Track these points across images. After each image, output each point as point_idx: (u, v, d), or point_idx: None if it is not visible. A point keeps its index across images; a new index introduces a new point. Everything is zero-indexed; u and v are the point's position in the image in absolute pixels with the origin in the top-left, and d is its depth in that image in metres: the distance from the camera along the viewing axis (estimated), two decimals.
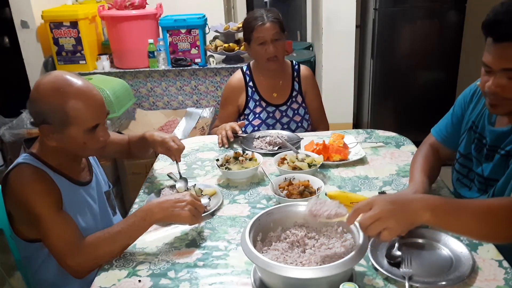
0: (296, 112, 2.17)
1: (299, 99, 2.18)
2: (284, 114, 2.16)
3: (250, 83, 2.17)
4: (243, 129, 2.16)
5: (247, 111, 2.17)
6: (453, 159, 1.55)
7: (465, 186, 1.46)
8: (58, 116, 1.25)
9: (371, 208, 1.03)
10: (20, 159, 1.33)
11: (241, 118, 2.20)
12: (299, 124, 2.17)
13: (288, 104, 2.16)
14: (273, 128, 2.14)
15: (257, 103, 2.16)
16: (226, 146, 1.94)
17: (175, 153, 1.60)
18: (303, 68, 2.21)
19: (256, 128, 2.14)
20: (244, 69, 2.20)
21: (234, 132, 1.96)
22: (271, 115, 2.16)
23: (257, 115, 2.16)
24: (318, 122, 2.26)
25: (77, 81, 1.28)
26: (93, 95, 1.30)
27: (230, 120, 2.12)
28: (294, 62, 2.22)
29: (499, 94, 1.19)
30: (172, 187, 1.59)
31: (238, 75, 2.20)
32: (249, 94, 2.16)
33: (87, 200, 1.42)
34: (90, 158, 1.53)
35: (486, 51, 1.19)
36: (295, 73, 2.19)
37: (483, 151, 1.38)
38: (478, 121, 1.41)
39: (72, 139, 1.29)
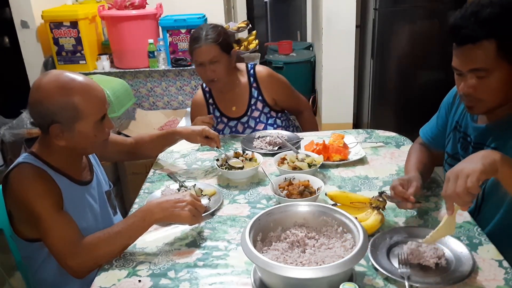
0: (258, 120, 2.11)
1: (259, 105, 2.10)
2: (246, 125, 2.11)
3: (210, 100, 2.13)
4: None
5: (212, 129, 2.13)
6: (442, 158, 1.57)
7: None
8: (67, 113, 1.25)
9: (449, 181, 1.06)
10: (20, 158, 1.33)
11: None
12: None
13: (249, 114, 2.10)
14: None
15: (219, 120, 2.13)
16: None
17: (217, 139, 1.74)
18: (259, 69, 2.11)
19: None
20: (204, 85, 2.15)
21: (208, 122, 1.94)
22: (233, 129, 2.13)
23: (220, 132, 2.12)
24: (298, 106, 2.23)
25: (78, 76, 1.30)
26: (95, 87, 1.32)
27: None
28: (249, 65, 2.12)
29: (472, 95, 1.23)
30: (181, 187, 1.58)
31: (199, 93, 2.17)
32: (210, 111, 2.13)
33: (88, 199, 1.42)
34: (91, 157, 1.53)
35: (454, 55, 1.24)
36: (252, 79, 2.09)
37: (469, 149, 1.40)
38: (461, 121, 1.45)
39: (83, 133, 1.30)
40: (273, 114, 2.14)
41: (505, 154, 1.06)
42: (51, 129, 1.27)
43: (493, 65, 1.17)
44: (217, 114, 2.13)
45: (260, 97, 2.10)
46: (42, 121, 1.28)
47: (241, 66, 2.13)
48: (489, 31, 1.15)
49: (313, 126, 2.27)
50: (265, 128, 2.11)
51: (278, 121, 2.14)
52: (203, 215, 1.37)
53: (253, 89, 2.10)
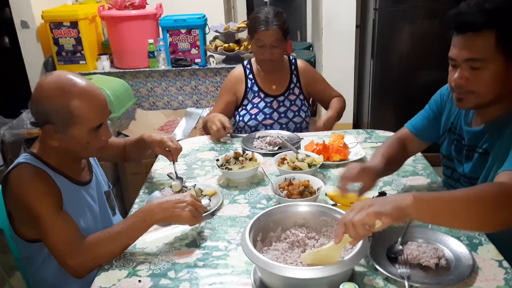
0: (293, 102, 2.24)
1: (297, 91, 2.25)
2: (281, 104, 2.22)
3: (250, 76, 2.24)
4: (241, 118, 2.21)
5: (245, 102, 2.23)
6: (423, 151, 1.60)
7: (452, 187, 1.49)
8: (62, 116, 1.25)
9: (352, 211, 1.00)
10: (20, 158, 1.33)
11: (239, 108, 2.25)
12: (296, 113, 2.22)
13: (286, 95, 2.23)
14: (270, 117, 2.19)
15: (256, 94, 2.22)
16: (223, 137, 2.02)
17: (174, 153, 1.62)
18: (299, 62, 2.29)
19: (253, 117, 2.19)
20: (245, 63, 2.28)
21: (224, 125, 1.99)
22: (268, 104, 2.21)
23: (255, 105, 2.21)
24: (329, 98, 2.31)
25: (81, 81, 1.28)
26: (97, 95, 1.30)
27: (226, 109, 2.20)
28: (291, 57, 2.29)
29: (463, 87, 1.23)
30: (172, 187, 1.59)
31: (239, 68, 2.29)
32: (249, 85, 2.23)
33: (87, 200, 1.42)
34: (91, 159, 1.53)
35: (452, 45, 1.25)
36: (293, 67, 2.26)
37: (462, 151, 1.40)
38: (456, 122, 1.44)
39: (76, 138, 1.29)
40: (306, 103, 2.28)
41: (420, 194, 1.00)
42: (44, 129, 1.27)
43: (490, 56, 1.18)
44: (255, 88, 2.23)
45: (298, 84, 2.27)
46: (38, 119, 1.29)
47: (284, 57, 2.26)
48: (491, 21, 1.16)
49: (341, 106, 2.30)
50: (298, 111, 2.23)
51: (309, 112, 2.29)
52: (203, 215, 1.37)
53: (293, 76, 2.26)
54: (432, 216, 1.01)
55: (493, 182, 1.14)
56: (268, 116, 2.20)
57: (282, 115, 2.20)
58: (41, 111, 1.26)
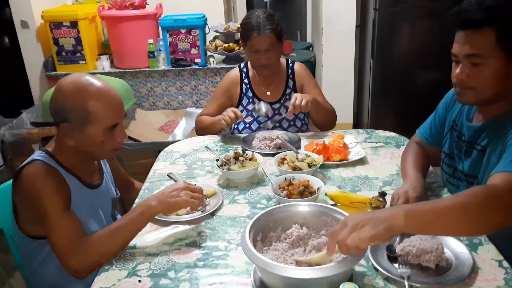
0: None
1: None
2: (276, 112, 2.16)
3: (245, 80, 2.19)
4: (235, 126, 2.18)
5: (240, 108, 2.18)
6: (438, 157, 1.59)
7: (453, 186, 1.49)
8: (79, 114, 1.28)
9: (346, 226, 0.99)
10: (35, 155, 1.35)
11: None
12: (292, 123, 2.15)
13: (282, 102, 2.17)
14: (265, 126, 2.15)
15: (250, 100, 2.17)
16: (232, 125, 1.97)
17: None
18: (297, 65, 2.22)
19: (247, 125, 2.15)
20: (242, 66, 2.23)
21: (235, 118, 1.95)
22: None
23: (249, 112, 2.16)
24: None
25: (98, 82, 1.32)
26: (113, 95, 1.33)
27: (220, 112, 2.09)
28: (289, 60, 2.23)
29: (464, 82, 1.25)
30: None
31: (235, 70, 2.23)
32: (243, 90, 2.18)
33: (94, 203, 1.43)
34: (102, 164, 1.54)
35: (454, 41, 1.26)
36: (290, 71, 2.19)
37: (462, 148, 1.41)
38: (458, 120, 1.46)
39: (91, 137, 1.31)
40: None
41: (411, 209, 1.01)
42: (61, 127, 1.30)
43: (490, 53, 1.19)
44: (250, 94, 2.17)
45: (294, 88, 2.18)
46: (55, 118, 1.32)
47: (282, 59, 2.22)
48: (491, 18, 1.17)
49: (330, 109, 2.18)
50: (294, 120, 2.16)
51: (306, 119, 2.21)
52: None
53: (289, 80, 2.18)
54: (423, 230, 1.05)
55: (483, 185, 1.14)
56: (262, 125, 2.14)
57: (277, 125, 2.14)
58: (59, 110, 1.29)
